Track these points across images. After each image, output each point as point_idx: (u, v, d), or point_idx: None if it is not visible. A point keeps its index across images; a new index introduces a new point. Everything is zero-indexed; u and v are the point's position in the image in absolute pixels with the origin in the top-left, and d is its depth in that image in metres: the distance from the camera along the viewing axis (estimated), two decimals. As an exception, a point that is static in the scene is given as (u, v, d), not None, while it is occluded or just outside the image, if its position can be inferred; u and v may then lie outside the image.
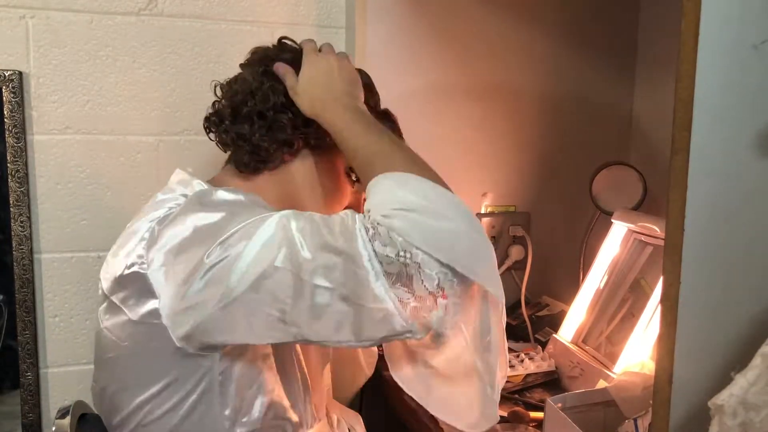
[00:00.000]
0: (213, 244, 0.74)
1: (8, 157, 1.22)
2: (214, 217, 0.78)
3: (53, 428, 0.93)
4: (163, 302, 0.78)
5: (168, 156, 1.33)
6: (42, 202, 1.27)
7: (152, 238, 0.81)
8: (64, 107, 1.26)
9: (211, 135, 0.98)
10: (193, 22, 1.31)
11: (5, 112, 1.21)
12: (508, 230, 1.49)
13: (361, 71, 1.00)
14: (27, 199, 1.24)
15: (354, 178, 1.00)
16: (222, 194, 0.82)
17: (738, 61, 0.58)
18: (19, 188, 1.24)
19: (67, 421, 0.92)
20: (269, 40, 1.35)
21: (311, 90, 0.91)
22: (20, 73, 1.22)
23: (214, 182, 0.94)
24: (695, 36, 0.56)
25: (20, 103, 1.22)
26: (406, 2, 1.35)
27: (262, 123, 0.92)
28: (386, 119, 1.00)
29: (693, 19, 0.56)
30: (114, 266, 0.85)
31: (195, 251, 0.76)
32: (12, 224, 1.24)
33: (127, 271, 0.82)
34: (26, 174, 1.24)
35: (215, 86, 0.99)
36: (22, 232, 1.24)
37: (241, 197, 0.82)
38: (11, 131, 1.22)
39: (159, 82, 1.31)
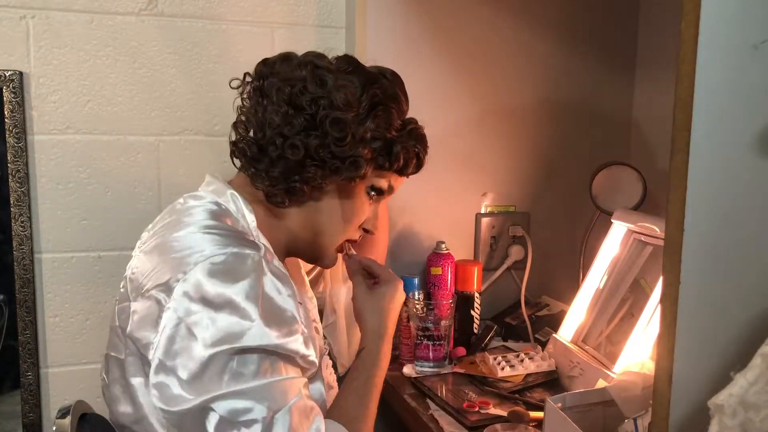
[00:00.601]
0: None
1: (9, 157, 1.22)
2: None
3: (53, 428, 0.92)
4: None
5: (168, 156, 1.33)
6: (42, 202, 1.27)
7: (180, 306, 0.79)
8: (65, 107, 1.26)
9: (237, 162, 0.96)
10: (193, 22, 1.31)
11: (6, 112, 1.21)
12: (508, 230, 1.49)
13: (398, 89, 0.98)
14: (27, 199, 1.25)
15: (374, 196, 1.01)
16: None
17: (738, 61, 0.58)
18: (20, 188, 1.24)
19: (67, 421, 0.92)
20: (269, 40, 1.37)
21: (373, 316, 1.02)
22: (20, 73, 1.22)
23: (244, 194, 0.94)
24: (695, 36, 0.56)
25: (21, 103, 1.22)
26: (406, 2, 1.36)
27: (291, 166, 0.90)
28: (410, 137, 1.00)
29: (693, 19, 0.56)
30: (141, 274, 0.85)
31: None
32: (12, 224, 1.24)
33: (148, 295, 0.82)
34: (26, 174, 1.24)
35: (236, 104, 0.97)
36: (22, 232, 1.25)
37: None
38: (11, 131, 1.22)
39: (159, 82, 1.31)
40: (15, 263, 1.25)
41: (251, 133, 0.93)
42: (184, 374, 0.76)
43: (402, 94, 0.99)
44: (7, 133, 1.22)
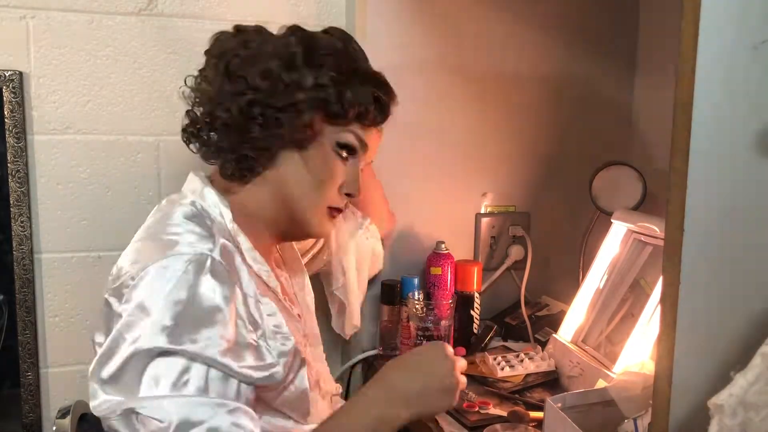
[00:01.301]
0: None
1: (8, 157, 1.22)
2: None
3: (53, 428, 0.93)
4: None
5: (168, 156, 1.33)
6: (42, 202, 1.27)
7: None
8: (65, 107, 1.26)
9: (192, 147, 0.96)
10: (193, 22, 1.31)
11: (5, 112, 1.21)
12: (508, 230, 1.49)
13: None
14: (27, 199, 1.25)
15: (344, 155, 0.95)
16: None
17: (738, 61, 0.58)
18: (20, 188, 1.24)
19: (67, 421, 0.92)
20: (269, 40, 1.36)
21: (408, 383, 0.86)
22: (20, 73, 1.22)
23: (215, 186, 0.93)
24: (695, 36, 0.56)
25: (20, 103, 1.22)
26: (406, 2, 1.35)
27: (236, 134, 0.90)
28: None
29: (693, 19, 0.56)
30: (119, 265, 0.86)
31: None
32: (12, 224, 1.24)
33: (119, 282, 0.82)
34: (26, 174, 1.24)
35: (182, 91, 0.96)
36: (22, 232, 1.25)
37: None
38: (11, 131, 1.22)
39: (159, 82, 1.31)
40: (15, 263, 1.25)
41: (197, 114, 0.94)
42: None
43: (348, 45, 0.96)
44: (7, 133, 1.22)
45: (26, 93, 1.23)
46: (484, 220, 1.48)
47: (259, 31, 0.95)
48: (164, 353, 0.74)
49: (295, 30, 0.95)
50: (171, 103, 1.32)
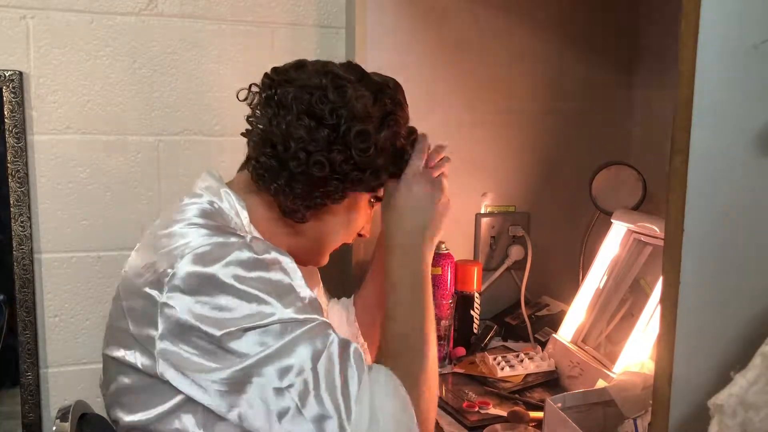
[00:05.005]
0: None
1: (8, 158, 1.22)
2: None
3: (53, 428, 0.93)
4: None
5: (168, 156, 1.33)
6: (42, 202, 1.27)
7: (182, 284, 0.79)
8: (64, 107, 1.26)
9: (256, 173, 0.92)
10: (193, 22, 1.31)
11: (5, 112, 1.21)
12: (508, 230, 1.49)
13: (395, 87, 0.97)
14: (27, 199, 1.25)
15: (371, 203, 1.01)
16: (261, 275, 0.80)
17: (738, 61, 0.58)
18: (19, 188, 1.24)
19: (67, 421, 0.92)
20: (269, 40, 1.36)
21: (403, 222, 0.95)
22: (20, 73, 1.22)
23: (239, 192, 0.93)
24: (695, 36, 0.56)
25: (20, 103, 1.22)
26: (406, 2, 1.35)
27: (314, 182, 0.89)
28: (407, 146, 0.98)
29: (693, 19, 0.56)
30: (136, 267, 0.85)
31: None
32: (12, 224, 1.24)
33: (145, 288, 0.81)
34: (26, 174, 1.24)
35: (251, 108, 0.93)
36: (22, 232, 1.25)
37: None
38: (11, 131, 1.22)
39: (159, 82, 1.31)
40: (15, 263, 1.25)
41: (271, 147, 0.88)
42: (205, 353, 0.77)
43: (405, 102, 0.98)
44: (7, 133, 1.22)
45: (26, 93, 1.23)
46: (484, 220, 1.48)
47: (334, 67, 0.92)
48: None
49: (363, 76, 0.93)
50: (171, 103, 1.32)
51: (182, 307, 0.77)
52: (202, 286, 0.77)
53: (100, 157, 1.29)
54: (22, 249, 1.25)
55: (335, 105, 0.87)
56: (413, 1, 1.36)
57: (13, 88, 1.21)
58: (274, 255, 0.82)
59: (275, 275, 0.80)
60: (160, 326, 0.78)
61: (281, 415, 0.76)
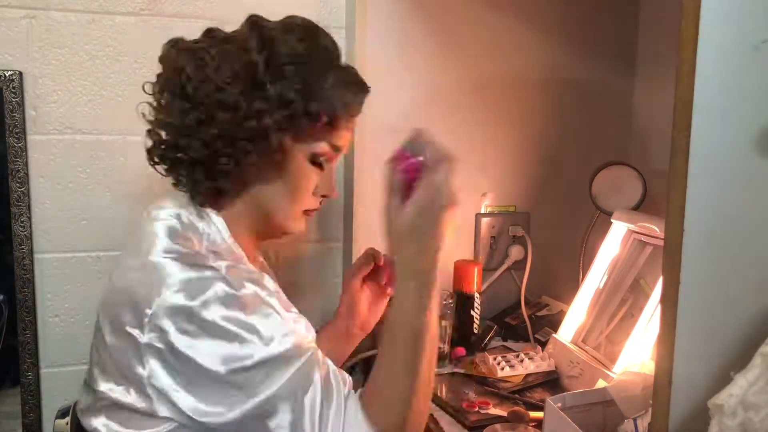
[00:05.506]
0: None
1: (8, 157, 1.22)
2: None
3: (53, 428, 0.93)
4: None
5: (168, 156, 1.33)
6: (42, 202, 1.27)
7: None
8: (64, 107, 1.26)
9: (160, 169, 0.91)
10: (193, 22, 1.31)
11: (5, 112, 1.21)
12: (508, 230, 1.49)
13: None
14: (27, 199, 1.24)
15: (320, 164, 0.92)
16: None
17: (738, 61, 0.58)
18: (19, 188, 1.24)
19: (67, 421, 0.92)
20: (269, 40, 1.36)
21: (413, 227, 0.81)
22: (20, 73, 1.22)
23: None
24: (695, 36, 0.56)
25: (20, 103, 1.22)
26: (406, 2, 1.35)
27: (206, 168, 0.86)
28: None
29: (693, 19, 0.56)
30: (114, 298, 0.85)
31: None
32: (12, 224, 1.24)
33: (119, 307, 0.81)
34: (26, 174, 1.24)
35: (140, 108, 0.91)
36: (22, 232, 1.24)
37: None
38: (11, 131, 1.22)
39: (159, 82, 1.31)
40: (15, 263, 1.25)
41: (163, 136, 0.89)
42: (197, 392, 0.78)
43: (311, 43, 0.89)
44: (7, 133, 1.22)
45: (26, 93, 1.23)
46: (484, 220, 1.48)
47: (212, 35, 0.89)
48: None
49: (252, 29, 0.88)
50: (171, 103, 1.32)
51: (165, 343, 0.77)
52: (183, 322, 0.77)
53: (100, 157, 1.29)
54: (22, 249, 1.25)
55: (197, 80, 0.84)
56: (413, 1, 1.36)
57: (13, 88, 1.21)
58: (251, 289, 0.81)
59: (251, 318, 0.78)
60: (147, 366, 0.78)
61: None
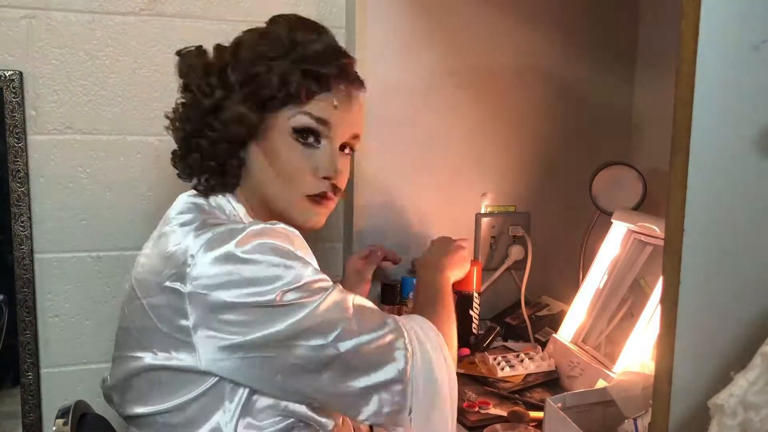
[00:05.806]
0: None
1: (8, 157, 1.22)
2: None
3: (53, 428, 0.92)
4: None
5: (168, 156, 1.32)
6: (42, 202, 1.27)
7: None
8: (64, 107, 1.26)
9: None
10: (193, 22, 1.31)
11: (6, 112, 1.21)
12: (508, 230, 1.49)
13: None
14: (27, 199, 1.25)
15: (306, 139, 0.92)
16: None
17: (738, 61, 0.58)
18: (20, 188, 1.24)
19: (67, 421, 0.92)
20: (269, 40, 1.36)
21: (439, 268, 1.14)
22: (20, 73, 1.22)
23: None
24: (695, 36, 0.56)
25: (20, 103, 1.22)
26: (406, 2, 1.35)
27: (194, 155, 0.95)
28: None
29: (693, 19, 0.56)
30: (151, 266, 0.87)
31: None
32: (12, 224, 1.24)
33: (167, 283, 0.82)
34: (26, 174, 1.24)
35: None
36: (22, 232, 1.24)
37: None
38: (11, 131, 1.22)
39: (159, 82, 1.31)
40: (15, 263, 1.25)
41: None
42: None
43: (278, 27, 0.94)
44: (7, 133, 1.22)
45: (26, 93, 1.23)
46: (484, 220, 1.48)
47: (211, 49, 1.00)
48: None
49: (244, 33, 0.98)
50: (171, 103, 1.32)
51: (210, 289, 0.78)
52: (225, 265, 0.79)
53: (100, 157, 1.29)
54: (22, 249, 1.25)
55: (184, 81, 0.98)
56: (413, 0, 1.36)
57: (13, 88, 1.21)
58: (280, 226, 0.86)
59: (289, 246, 0.83)
60: (192, 316, 0.79)
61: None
